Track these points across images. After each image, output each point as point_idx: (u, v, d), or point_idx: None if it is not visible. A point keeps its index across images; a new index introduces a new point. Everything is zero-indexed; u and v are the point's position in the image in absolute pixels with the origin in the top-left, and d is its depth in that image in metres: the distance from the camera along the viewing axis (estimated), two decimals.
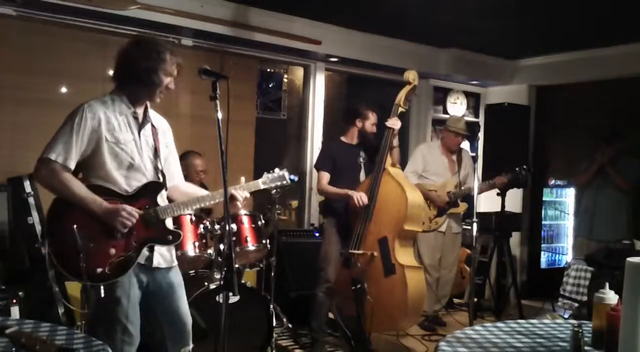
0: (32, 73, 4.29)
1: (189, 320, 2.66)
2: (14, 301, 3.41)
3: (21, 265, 3.77)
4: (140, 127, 2.54)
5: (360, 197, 3.95)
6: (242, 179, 2.70)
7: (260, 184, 2.76)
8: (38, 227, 3.83)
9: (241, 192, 2.65)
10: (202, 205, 2.63)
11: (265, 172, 2.81)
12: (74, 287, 3.79)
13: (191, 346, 2.66)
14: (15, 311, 3.39)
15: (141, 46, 2.49)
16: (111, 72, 2.61)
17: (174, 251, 2.66)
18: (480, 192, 4.71)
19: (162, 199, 2.57)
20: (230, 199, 2.61)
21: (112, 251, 2.39)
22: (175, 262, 2.67)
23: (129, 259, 2.42)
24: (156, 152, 2.58)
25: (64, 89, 4.52)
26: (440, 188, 4.88)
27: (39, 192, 3.88)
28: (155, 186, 2.54)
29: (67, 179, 2.37)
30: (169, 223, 2.60)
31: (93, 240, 2.37)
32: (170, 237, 2.54)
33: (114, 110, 2.47)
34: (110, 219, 2.38)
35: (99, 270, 2.35)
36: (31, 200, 3.83)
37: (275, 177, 2.79)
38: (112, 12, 4.22)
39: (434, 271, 4.91)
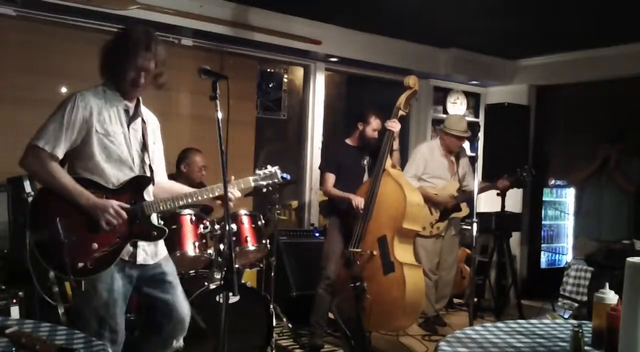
0: (32, 73, 4.29)
1: (187, 311, 2.63)
2: (14, 301, 3.41)
3: (21, 265, 3.77)
4: (130, 120, 2.52)
5: (357, 202, 3.97)
6: (232, 177, 2.65)
7: (251, 181, 2.71)
8: None
9: (234, 190, 2.60)
10: (189, 201, 2.59)
11: (257, 169, 2.78)
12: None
13: (181, 341, 2.64)
14: (15, 311, 3.39)
15: (113, 42, 2.48)
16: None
17: (160, 244, 2.61)
18: (481, 192, 4.71)
19: (148, 195, 2.54)
20: (220, 198, 2.60)
21: (95, 245, 2.37)
22: (163, 254, 2.63)
23: (112, 255, 2.39)
24: (144, 147, 2.55)
25: (64, 89, 4.52)
26: (441, 192, 4.85)
27: None
28: (142, 180, 2.51)
29: (54, 169, 2.34)
30: (154, 219, 2.56)
31: (76, 233, 2.34)
32: (155, 233, 2.51)
33: (105, 101, 2.45)
34: (96, 215, 2.35)
35: (80, 264, 2.33)
36: (31, 200, 3.83)
37: (267, 175, 2.74)
38: (112, 12, 4.22)
39: (433, 274, 4.91)
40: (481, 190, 4.66)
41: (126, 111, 2.51)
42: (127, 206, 2.43)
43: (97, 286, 2.38)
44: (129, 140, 2.49)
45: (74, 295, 2.45)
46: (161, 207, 2.52)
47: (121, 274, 2.45)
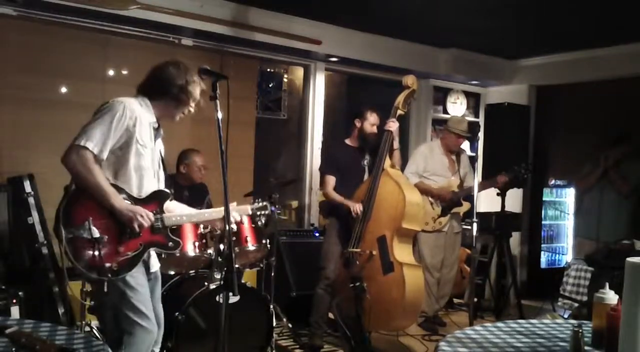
0: (32, 73, 4.29)
1: (162, 321, 2.76)
2: (14, 301, 3.41)
3: (21, 265, 3.78)
4: (155, 138, 2.67)
5: (355, 208, 3.98)
6: (234, 203, 2.80)
7: (249, 209, 3.02)
8: (38, 227, 3.83)
9: (236, 214, 2.79)
10: (201, 218, 2.88)
11: (255, 201, 3.13)
12: (74, 287, 3.78)
13: (159, 346, 2.73)
14: (15, 311, 3.39)
15: (178, 67, 2.64)
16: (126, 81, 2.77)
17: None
18: (481, 189, 4.74)
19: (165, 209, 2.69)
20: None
21: (121, 248, 2.48)
22: (158, 265, 2.80)
23: (133, 259, 2.51)
24: (160, 165, 2.73)
25: (64, 89, 4.52)
26: (443, 188, 4.87)
27: (39, 192, 3.89)
28: (164, 194, 2.67)
29: (96, 170, 2.42)
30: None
31: (106, 234, 2.45)
32: (171, 244, 2.65)
33: (144, 114, 2.59)
34: (127, 218, 2.46)
35: (108, 265, 2.43)
36: (31, 200, 3.84)
37: (260, 207, 3.09)
38: (112, 12, 4.22)
39: (435, 271, 4.91)
40: (482, 188, 4.71)
41: (154, 128, 2.66)
42: (151, 214, 2.56)
43: (132, 283, 2.50)
44: (154, 156, 2.66)
45: (103, 295, 2.56)
46: (179, 222, 2.72)
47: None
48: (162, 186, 2.75)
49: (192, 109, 2.69)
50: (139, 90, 2.66)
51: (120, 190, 2.50)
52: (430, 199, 4.86)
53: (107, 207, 2.43)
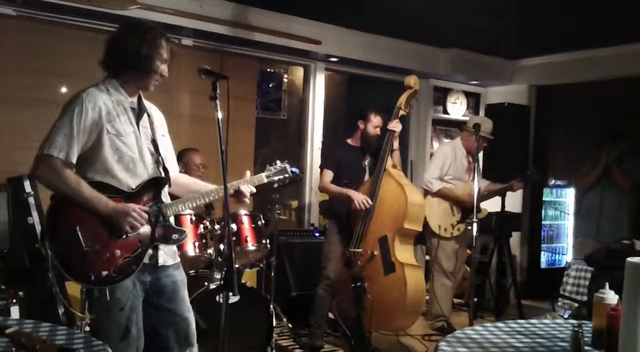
0: (32, 73, 4.29)
1: (192, 321, 2.56)
2: (14, 301, 3.41)
3: (21, 265, 3.77)
4: (138, 118, 2.44)
5: (362, 201, 3.95)
6: (248, 173, 2.64)
7: (264, 177, 2.69)
8: (38, 227, 3.82)
9: (249, 187, 2.59)
10: (207, 200, 2.54)
11: (268, 165, 2.75)
12: (74, 288, 3.79)
13: (196, 346, 2.57)
14: (15, 311, 3.39)
15: (135, 31, 2.38)
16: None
17: (176, 247, 2.57)
18: (495, 195, 4.83)
19: (165, 196, 2.48)
20: (237, 194, 2.58)
21: (118, 252, 2.28)
22: (179, 259, 2.59)
23: (135, 260, 2.32)
24: (155, 144, 2.49)
25: (64, 89, 4.51)
26: (462, 192, 4.79)
27: (39, 192, 3.88)
28: (158, 182, 2.44)
29: (70, 177, 2.24)
30: (173, 221, 2.50)
31: (97, 241, 2.26)
32: (176, 235, 2.46)
33: (111, 99, 2.34)
34: (118, 220, 2.27)
35: (105, 273, 2.24)
36: (31, 200, 3.83)
37: (278, 170, 2.72)
38: (112, 12, 4.22)
39: (453, 276, 4.94)
40: (496, 192, 4.85)
41: (132, 109, 2.41)
42: (147, 208, 2.36)
43: (117, 294, 2.30)
44: (140, 139, 2.41)
45: (95, 305, 2.38)
46: (180, 208, 2.47)
47: (138, 280, 2.38)
48: (172, 163, 2.53)
49: (165, 73, 2.43)
50: (104, 71, 2.41)
51: (107, 187, 2.29)
52: (452, 206, 4.79)
53: (93, 212, 2.24)
